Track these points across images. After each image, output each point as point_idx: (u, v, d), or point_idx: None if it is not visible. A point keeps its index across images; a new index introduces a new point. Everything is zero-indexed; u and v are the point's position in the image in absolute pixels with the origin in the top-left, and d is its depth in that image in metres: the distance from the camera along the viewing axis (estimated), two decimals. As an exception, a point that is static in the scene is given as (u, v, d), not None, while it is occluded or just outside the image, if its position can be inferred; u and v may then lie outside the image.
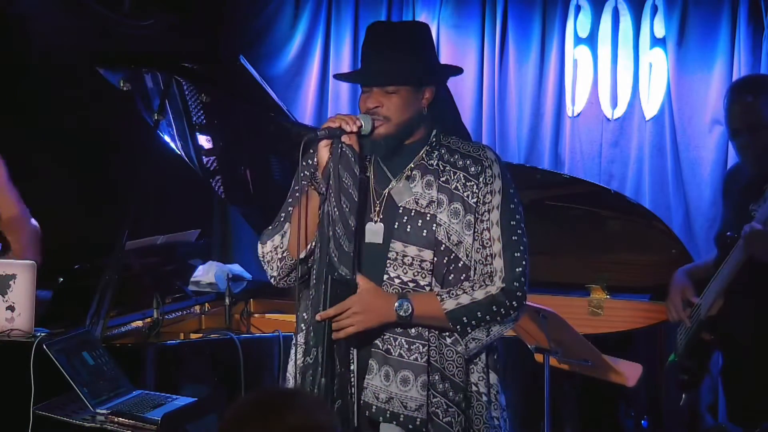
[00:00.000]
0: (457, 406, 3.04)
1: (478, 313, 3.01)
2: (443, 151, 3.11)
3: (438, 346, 3.04)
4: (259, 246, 3.17)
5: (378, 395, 3.01)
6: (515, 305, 3.04)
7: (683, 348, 4.15)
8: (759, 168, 3.96)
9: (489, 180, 3.08)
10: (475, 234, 3.06)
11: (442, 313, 3.01)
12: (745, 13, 5.31)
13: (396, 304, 2.99)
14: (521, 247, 3.07)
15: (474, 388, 3.08)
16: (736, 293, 3.94)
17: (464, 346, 3.03)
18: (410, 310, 3.00)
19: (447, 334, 3.04)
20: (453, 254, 3.06)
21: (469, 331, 3.02)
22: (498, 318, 3.02)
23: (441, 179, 3.07)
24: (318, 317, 2.96)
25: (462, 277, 3.07)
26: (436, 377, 3.03)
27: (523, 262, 3.06)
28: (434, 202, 3.06)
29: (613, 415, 4.50)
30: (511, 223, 3.08)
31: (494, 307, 3.02)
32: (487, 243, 3.06)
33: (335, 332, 2.97)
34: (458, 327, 3.01)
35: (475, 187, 3.06)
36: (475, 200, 3.06)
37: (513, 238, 3.07)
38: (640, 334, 4.62)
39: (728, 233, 3.97)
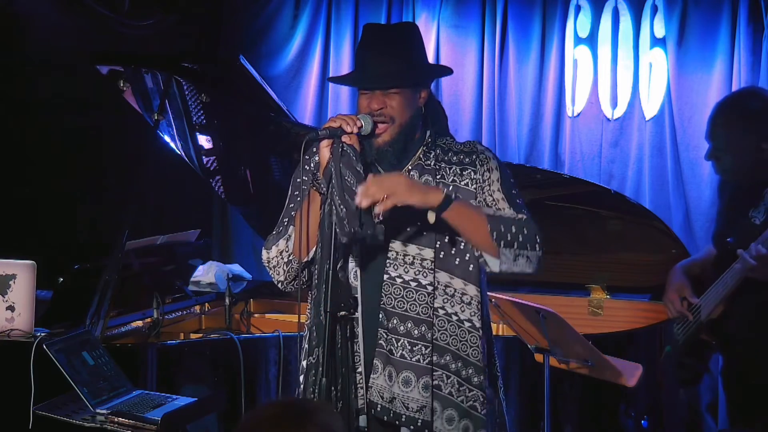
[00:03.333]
0: (456, 374, 3.05)
1: (513, 227, 3.03)
2: (438, 151, 3.13)
3: (439, 323, 3.06)
4: (264, 252, 3.18)
5: (382, 395, 3.03)
6: (538, 241, 3.05)
7: (682, 345, 4.15)
8: (736, 181, 3.99)
9: (483, 161, 3.13)
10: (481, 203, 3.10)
11: (483, 214, 3.03)
12: (745, 13, 5.30)
13: (441, 185, 3.02)
14: (525, 211, 3.11)
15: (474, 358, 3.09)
16: (737, 296, 3.94)
17: (494, 260, 3.01)
18: (453, 196, 3.01)
19: (457, 311, 3.05)
20: (460, 242, 3.07)
21: (502, 244, 3.01)
22: (527, 245, 3.02)
23: (438, 177, 3.09)
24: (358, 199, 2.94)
25: (470, 268, 3.08)
26: (435, 356, 3.04)
27: (533, 222, 3.08)
28: None
29: (613, 415, 4.50)
30: (512, 191, 3.12)
31: (525, 229, 3.03)
32: (491, 204, 3.11)
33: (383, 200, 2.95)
34: (494, 233, 3.01)
35: (472, 173, 3.11)
36: (474, 186, 3.11)
37: (517, 201, 3.12)
38: (641, 334, 4.62)
39: (729, 239, 3.97)
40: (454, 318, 3.08)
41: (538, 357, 3.65)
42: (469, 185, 3.09)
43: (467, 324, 3.08)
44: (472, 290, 3.09)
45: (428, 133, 3.16)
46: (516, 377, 4.27)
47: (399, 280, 3.06)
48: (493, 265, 3.05)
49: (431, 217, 3.01)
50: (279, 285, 3.19)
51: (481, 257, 3.06)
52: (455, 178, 3.10)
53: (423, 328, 3.04)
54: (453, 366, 3.06)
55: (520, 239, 3.03)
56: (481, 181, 3.10)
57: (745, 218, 3.93)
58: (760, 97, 4.11)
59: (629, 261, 4.92)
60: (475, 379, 3.08)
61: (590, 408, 4.42)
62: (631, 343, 4.54)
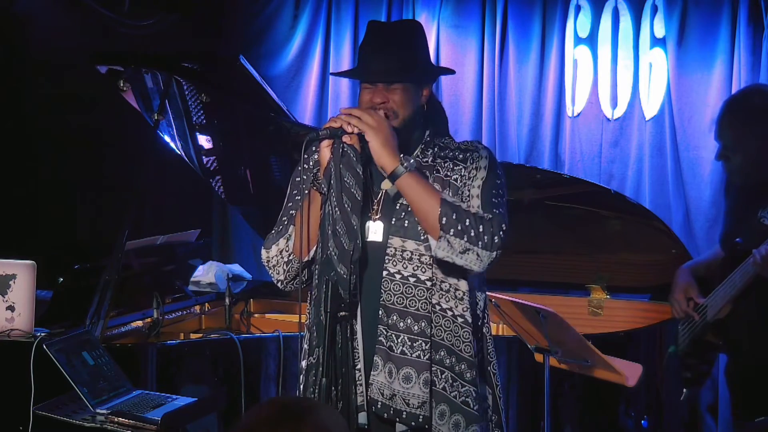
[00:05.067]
0: (450, 370, 3.05)
1: (467, 220, 3.00)
2: (436, 149, 3.14)
3: (435, 319, 3.06)
4: (264, 251, 3.18)
5: (383, 392, 3.03)
6: (496, 243, 3.00)
7: (687, 345, 4.15)
8: (745, 181, 3.98)
9: (475, 159, 3.12)
10: (462, 197, 3.08)
11: (438, 195, 3.01)
12: (745, 13, 5.30)
13: (403, 156, 3.02)
14: (501, 210, 3.06)
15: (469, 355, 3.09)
16: (745, 296, 3.94)
17: (435, 244, 3.00)
18: (413, 168, 3.01)
19: (452, 306, 3.05)
20: None
21: (451, 232, 2.99)
22: (479, 243, 2.99)
23: (434, 172, 3.10)
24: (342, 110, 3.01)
25: None
26: (431, 352, 3.04)
27: (502, 224, 3.03)
28: None
29: (613, 415, 4.50)
30: (493, 191, 3.08)
31: (481, 226, 3.00)
32: (466, 198, 3.08)
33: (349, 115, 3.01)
34: (443, 219, 2.99)
35: (463, 170, 3.10)
36: (461, 182, 3.09)
37: (494, 200, 3.07)
38: (641, 334, 4.62)
39: (737, 239, 3.96)
40: (449, 313, 3.08)
41: (538, 357, 3.65)
42: (458, 181, 3.10)
43: (460, 319, 3.08)
44: (464, 285, 3.10)
45: (427, 132, 3.17)
46: (516, 377, 4.27)
47: (398, 276, 3.06)
48: (433, 247, 3.03)
49: (385, 184, 3.04)
50: (279, 284, 3.19)
51: (426, 241, 3.05)
52: (448, 172, 3.11)
53: (422, 324, 3.05)
54: (447, 361, 3.06)
55: (472, 234, 2.99)
56: (466, 177, 3.09)
57: (754, 218, 3.92)
58: (766, 94, 4.11)
59: (629, 261, 4.92)
60: (468, 375, 3.07)
61: (590, 408, 4.42)
62: (631, 343, 4.54)
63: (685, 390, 4.25)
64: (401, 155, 3.02)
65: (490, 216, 3.03)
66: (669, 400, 4.57)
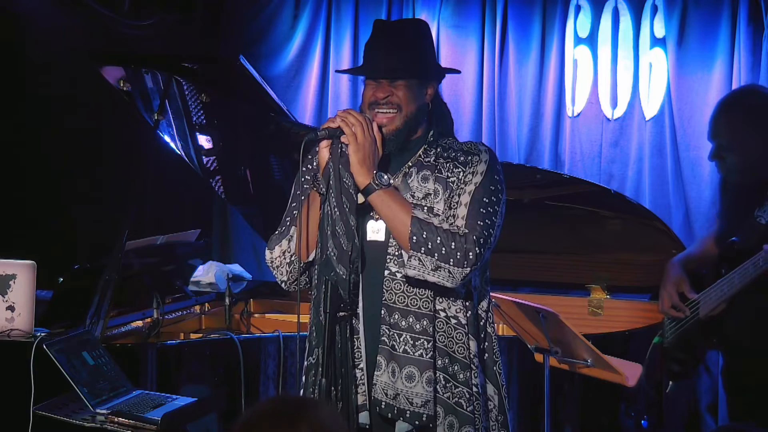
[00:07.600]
0: (442, 371, 3.05)
1: (438, 238, 2.98)
2: (439, 149, 3.13)
3: (440, 322, 3.05)
4: (267, 252, 3.18)
5: (386, 392, 3.03)
6: (470, 258, 2.98)
7: (674, 338, 4.15)
8: (742, 180, 3.98)
9: (474, 164, 3.10)
10: (451, 203, 3.06)
11: (410, 214, 2.99)
12: (745, 13, 5.31)
13: (378, 173, 3.00)
14: (487, 221, 3.03)
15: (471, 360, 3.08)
16: (740, 296, 3.93)
17: (406, 262, 3.00)
18: (387, 184, 3.01)
19: (444, 307, 3.05)
20: None
21: (421, 250, 2.98)
22: (450, 260, 2.97)
23: (435, 171, 3.09)
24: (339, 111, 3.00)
25: None
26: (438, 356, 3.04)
27: (485, 233, 3.01)
28: (430, 194, 3.08)
29: (613, 415, 4.50)
30: (484, 199, 3.06)
31: (453, 244, 2.98)
32: (454, 205, 3.06)
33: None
34: (414, 238, 2.98)
35: (460, 174, 3.08)
36: (456, 186, 3.08)
37: (481, 210, 3.04)
38: (640, 334, 4.62)
39: (734, 239, 3.96)
40: (442, 314, 3.08)
41: (538, 357, 3.65)
42: (454, 183, 3.09)
43: (453, 321, 3.08)
44: (458, 287, 3.09)
45: (431, 132, 3.16)
46: (516, 377, 4.27)
47: (399, 275, 3.06)
48: (405, 265, 3.02)
49: (359, 198, 3.03)
50: (282, 285, 3.19)
51: (401, 257, 3.05)
52: (448, 173, 3.10)
53: (424, 323, 3.04)
54: (440, 362, 3.06)
55: (443, 251, 2.98)
56: (461, 181, 3.08)
57: (750, 218, 3.92)
58: (761, 94, 4.11)
59: (629, 261, 4.92)
60: (461, 376, 3.07)
61: (590, 408, 4.42)
62: (631, 343, 4.54)
63: (671, 383, 4.24)
64: (376, 172, 3.01)
65: (467, 231, 3.01)
66: (648, 384, 4.55)
